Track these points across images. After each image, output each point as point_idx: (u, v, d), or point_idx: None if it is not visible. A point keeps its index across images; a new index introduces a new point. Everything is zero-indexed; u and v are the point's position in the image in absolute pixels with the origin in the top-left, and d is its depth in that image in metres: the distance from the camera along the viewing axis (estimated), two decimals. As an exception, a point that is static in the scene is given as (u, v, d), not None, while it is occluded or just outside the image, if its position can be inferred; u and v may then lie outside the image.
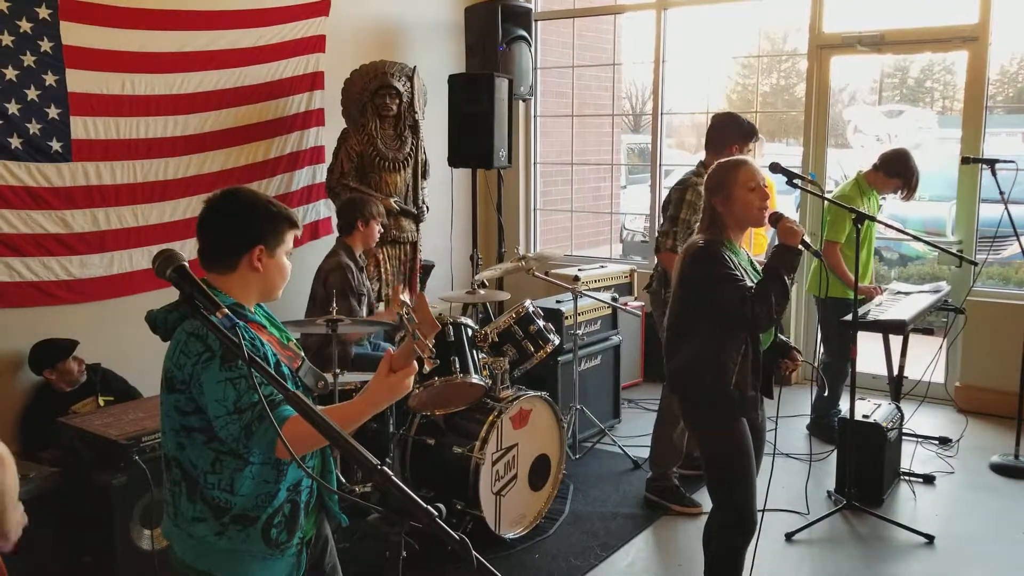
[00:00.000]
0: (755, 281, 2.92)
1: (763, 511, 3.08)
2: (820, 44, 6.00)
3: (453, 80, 5.87)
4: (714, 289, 2.88)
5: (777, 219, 3.04)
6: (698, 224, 3.12)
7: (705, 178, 3.11)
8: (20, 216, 4.32)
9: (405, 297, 2.03)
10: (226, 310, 1.63)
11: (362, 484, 3.96)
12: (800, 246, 2.95)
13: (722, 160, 3.13)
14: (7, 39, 4.21)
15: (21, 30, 4.26)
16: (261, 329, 2.07)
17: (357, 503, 2.53)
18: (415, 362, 1.94)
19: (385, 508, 1.43)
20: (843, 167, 9.42)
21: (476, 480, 3.70)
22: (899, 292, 4.96)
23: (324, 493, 2.16)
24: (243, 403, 1.87)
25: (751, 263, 3.09)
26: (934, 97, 15.44)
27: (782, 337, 3.21)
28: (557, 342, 4.34)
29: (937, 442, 5.09)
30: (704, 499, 4.27)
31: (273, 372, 1.60)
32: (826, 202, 4.71)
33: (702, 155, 4.53)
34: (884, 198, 5.18)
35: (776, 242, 3.19)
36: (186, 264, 1.69)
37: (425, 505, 1.38)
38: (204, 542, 2.00)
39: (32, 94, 4.32)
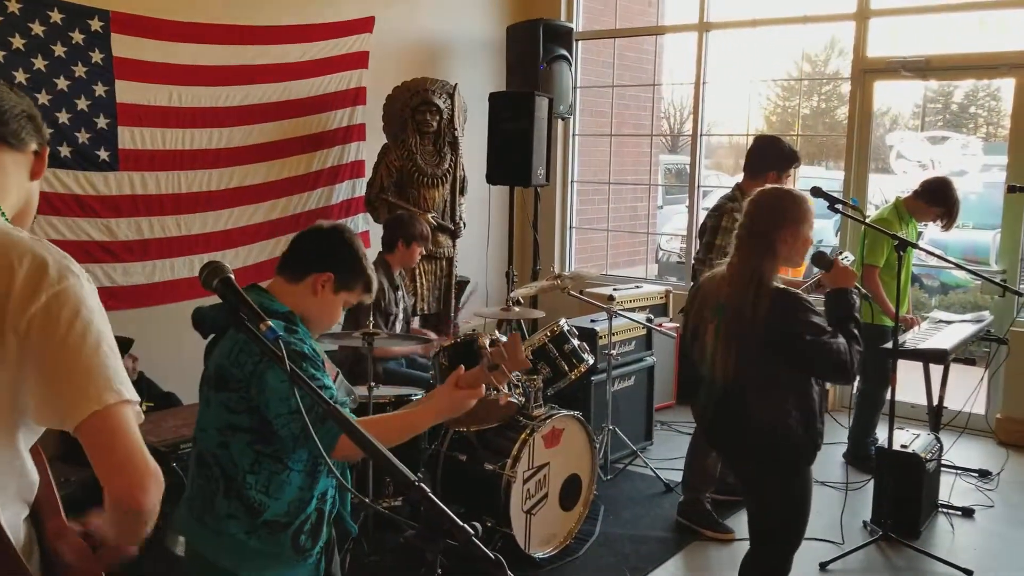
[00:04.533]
0: None
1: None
2: (864, 68, 5.95)
3: (493, 98, 5.92)
4: (815, 343, 2.69)
5: (830, 262, 2.97)
6: (741, 251, 2.86)
7: (761, 206, 2.86)
8: (67, 223, 4.41)
9: (501, 336, 2.11)
10: (269, 323, 1.64)
11: (392, 498, 3.97)
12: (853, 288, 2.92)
13: (787, 191, 2.93)
14: (60, 50, 4.32)
15: (73, 41, 4.37)
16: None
17: (393, 517, 2.54)
18: (483, 387, 2.00)
19: (421, 525, 1.43)
20: (884, 192, 9.32)
21: (507, 498, 3.68)
22: (940, 320, 4.88)
23: (340, 503, 2.20)
24: (306, 403, 1.89)
25: None
26: (978, 123, 15.25)
27: None
28: (592, 362, 4.32)
29: (977, 475, 4.99)
30: (736, 525, 4.23)
31: (321, 379, 1.62)
32: (864, 227, 4.66)
33: (740, 177, 4.49)
34: (925, 225, 5.11)
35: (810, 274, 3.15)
36: (232, 276, 1.71)
37: (461, 523, 1.38)
38: (234, 540, 2.03)
39: (82, 104, 4.42)
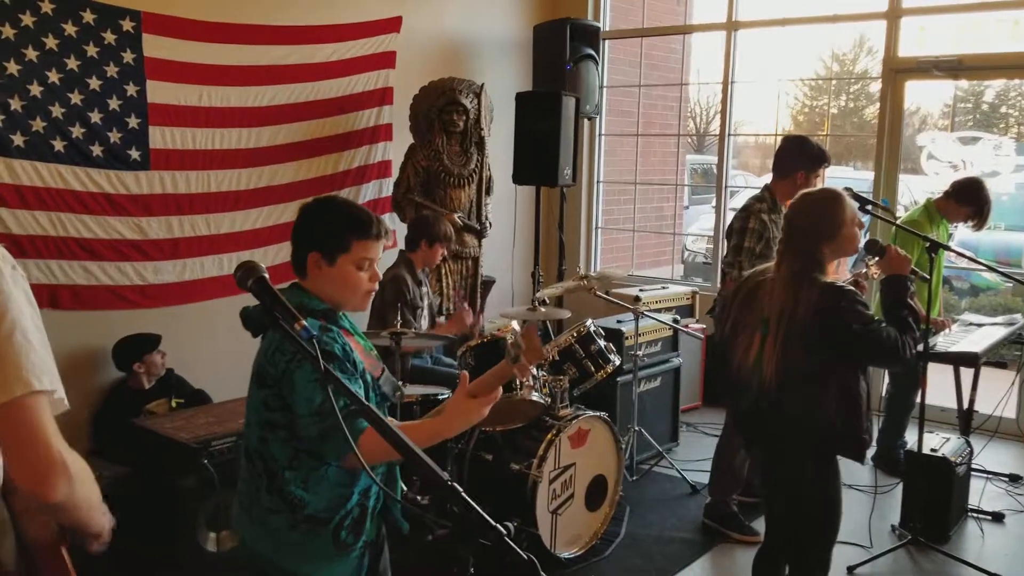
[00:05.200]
0: None
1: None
2: (894, 68, 5.88)
3: (520, 98, 5.92)
4: (864, 331, 2.69)
5: (882, 249, 2.98)
6: (785, 260, 2.83)
7: (800, 214, 2.86)
8: (99, 222, 4.46)
9: (516, 325, 2.09)
10: (304, 322, 1.66)
11: (422, 495, 3.97)
12: (910, 273, 2.92)
13: (823, 195, 2.91)
14: (92, 50, 4.37)
15: (106, 42, 4.41)
16: (348, 335, 2.11)
17: (423, 516, 2.55)
18: (499, 389, 1.99)
19: (454, 524, 1.44)
20: (913, 193, 9.22)
21: (533, 498, 3.69)
22: (971, 323, 4.82)
23: (388, 500, 2.20)
24: (327, 407, 1.88)
25: None
26: (1009, 123, 15.04)
27: None
28: (618, 363, 4.31)
29: (1007, 479, 4.93)
30: (762, 527, 4.20)
31: (348, 384, 1.62)
32: (894, 228, 4.62)
33: (767, 177, 4.46)
34: (956, 226, 5.05)
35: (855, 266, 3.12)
36: (266, 276, 1.73)
37: (494, 523, 1.39)
38: (276, 533, 2.05)
39: (114, 104, 4.47)
